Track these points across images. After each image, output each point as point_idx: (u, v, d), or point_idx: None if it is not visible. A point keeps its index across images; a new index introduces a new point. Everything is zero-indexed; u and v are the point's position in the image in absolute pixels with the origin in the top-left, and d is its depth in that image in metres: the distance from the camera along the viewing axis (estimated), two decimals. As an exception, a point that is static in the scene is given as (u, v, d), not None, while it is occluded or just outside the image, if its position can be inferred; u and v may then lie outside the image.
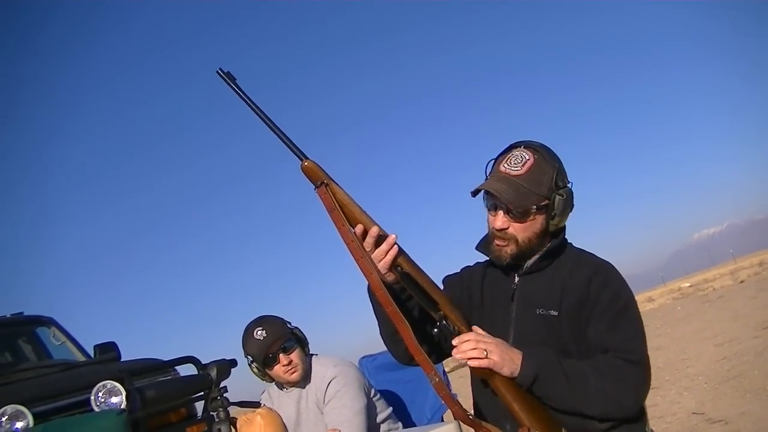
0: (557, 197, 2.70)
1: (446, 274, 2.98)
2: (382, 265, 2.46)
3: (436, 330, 2.58)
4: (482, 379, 2.59)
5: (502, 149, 2.81)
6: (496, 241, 2.74)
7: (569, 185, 2.76)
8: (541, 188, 2.68)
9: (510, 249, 2.73)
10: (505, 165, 2.69)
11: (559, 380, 2.54)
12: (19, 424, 4.97)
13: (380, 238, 2.46)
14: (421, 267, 2.54)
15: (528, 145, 2.75)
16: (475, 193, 2.70)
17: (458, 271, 3.07)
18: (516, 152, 2.72)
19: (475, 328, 2.60)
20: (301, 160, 2.44)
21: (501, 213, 2.69)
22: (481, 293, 2.90)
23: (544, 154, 2.73)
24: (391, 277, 2.52)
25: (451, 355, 2.92)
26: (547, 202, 2.69)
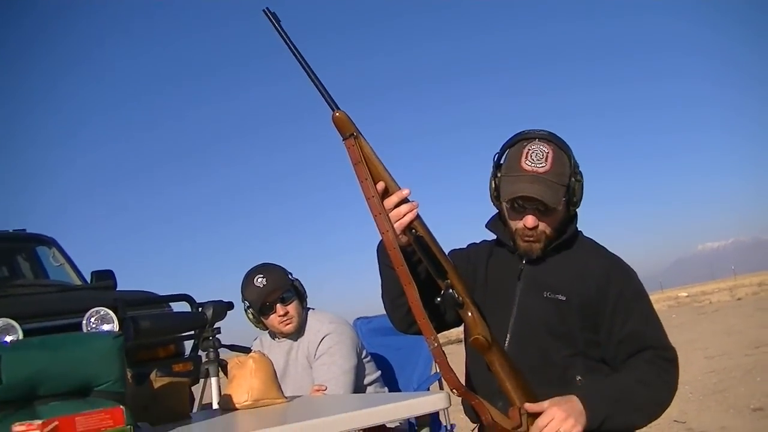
0: (576, 183, 2.72)
1: (452, 249, 2.97)
2: (399, 225, 2.44)
3: (439, 299, 2.57)
4: (479, 354, 2.60)
5: (508, 140, 2.80)
6: (525, 239, 2.73)
7: (580, 169, 2.77)
8: (564, 179, 2.69)
9: (540, 244, 2.74)
10: (528, 162, 2.67)
11: (621, 410, 2.56)
12: (8, 338, 4.99)
13: (403, 200, 2.45)
14: (434, 236, 2.53)
15: (541, 137, 2.73)
16: (513, 199, 2.69)
17: (464, 247, 3.06)
18: (534, 147, 2.69)
19: (547, 405, 2.54)
20: (333, 110, 2.42)
21: (530, 216, 2.68)
22: (486, 271, 2.90)
23: (558, 143, 2.73)
24: (404, 239, 2.50)
25: (448, 327, 2.93)
26: (567, 191, 2.70)
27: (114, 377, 2.01)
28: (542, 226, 2.70)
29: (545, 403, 2.52)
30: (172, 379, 2.67)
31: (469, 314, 2.58)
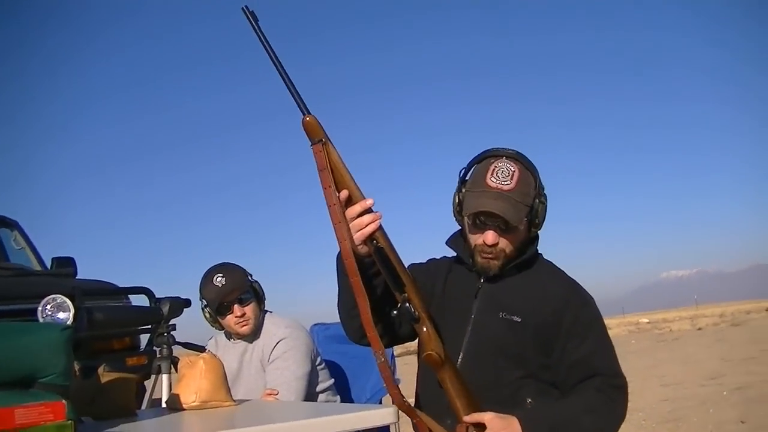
0: (540, 205, 2.73)
1: (411, 263, 2.95)
2: (360, 235, 2.43)
3: (395, 312, 2.55)
4: (432, 369, 2.59)
5: (476, 157, 2.80)
6: (483, 255, 2.73)
7: (545, 191, 2.78)
8: (528, 199, 2.69)
9: (498, 261, 2.73)
10: (494, 179, 2.66)
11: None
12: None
13: (366, 210, 2.43)
14: (395, 248, 2.52)
15: (508, 156, 2.74)
16: (475, 214, 2.68)
17: (424, 261, 3.06)
18: (500, 164, 2.70)
19: (485, 415, 2.56)
20: (304, 114, 2.40)
21: (491, 232, 2.68)
22: (444, 287, 2.89)
23: (525, 164, 2.74)
24: (364, 250, 2.49)
25: (403, 341, 2.91)
26: (530, 209, 2.70)
27: (59, 370, 1.97)
28: (502, 244, 2.69)
29: (486, 416, 2.52)
30: (120, 374, 2.63)
31: (425, 329, 2.56)
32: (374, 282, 2.59)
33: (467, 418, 2.52)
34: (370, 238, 2.46)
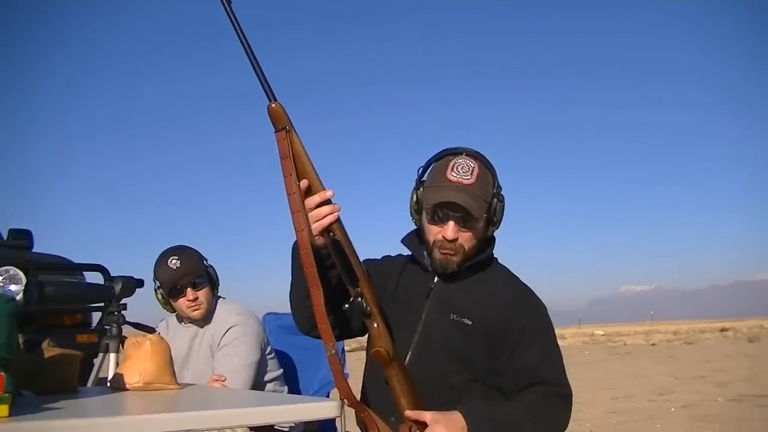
0: (497, 203, 2.74)
1: (366, 258, 2.94)
2: (317, 226, 2.41)
3: (347, 306, 2.54)
4: (379, 366, 2.58)
5: (434, 155, 2.81)
6: (442, 251, 2.72)
7: (502, 191, 2.79)
8: (487, 195, 2.70)
9: (457, 258, 2.72)
10: (454, 174, 2.67)
11: None
12: None
13: (325, 201, 2.41)
14: (352, 242, 2.50)
15: (468, 153, 2.75)
16: (436, 206, 2.67)
17: (379, 258, 3.05)
18: (460, 160, 2.71)
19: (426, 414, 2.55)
20: (270, 100, 2.37)
21: (452, 223, 2.67)
22: (397, 285, 2.88)
23: (484, 162, 2.76)
24: (320, 241, 2.47)
25: (353, 335, 2.90)
26: (488, 209, 2.71)
27: (1, 342, 1.94)
28: (462, 239, 2.69)
29: (427, 414, 2.51)
30: (64, 350, 2.59)
31: (375, 325, 2.55)
32: (329, 274, 2.58)
33: (409, 414, 2.52)
34: (327, 230, 2.44)
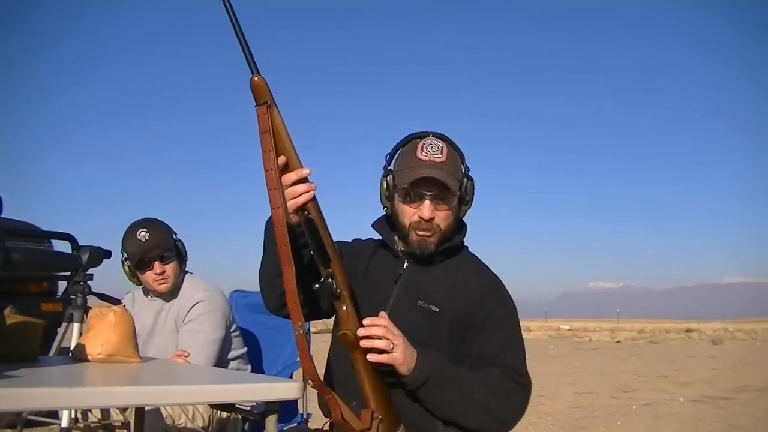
0: (468, 183, 2.73)
1: (337, 240, 2.93)
2: (292, 204, 2.39)
3: (317, 286, 2.52)
4: (345, 349, 2.56)
5: (400, 141, 2.80)
6: (419, 232, 2.70)
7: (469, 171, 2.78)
8: (458, 173, 2.70)
9: (434, 239, 2.71)
10: (424, 153, 2.67)
11: (448, 388, 2.56)
12: None
13: (302, 179, 2.39)
14: (326, 222, 2.49)
15: (434, 134, 2.75)
16: (412, 183, 2.65)
17: (349, 241, 3.03)
18: (429, 141, 2.70)
19: (383, 314, 2.56)
20: (253, 73, 2.34)
21: (428, 202, 2.66)
22: (366, 269, 2.86)
23: (450, 142, 2.76)
24: (295, 219, 2.46)
25: (321, 317, 2.88)
26: (460, 189, 2.71)
27: (-38, 306, 1.91)
28: (438, 218, 2.68)
29: (398, 330, 2.52)
30: (26, 318, 2.56)
31: (344, 308, 2.54)
32: (301, 253, 2.57)
33: (362, 331, 2.49)
34: (302, 209, 2.43)
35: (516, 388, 2.65)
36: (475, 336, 2.69)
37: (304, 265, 2.57)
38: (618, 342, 35.09)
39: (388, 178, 2.75)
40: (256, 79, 2.33)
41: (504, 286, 2.84)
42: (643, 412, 10.39)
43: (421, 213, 2.66)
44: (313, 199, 2.42)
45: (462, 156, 2.76)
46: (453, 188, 2.63)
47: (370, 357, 2.47)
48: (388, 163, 2.78)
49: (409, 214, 2.71)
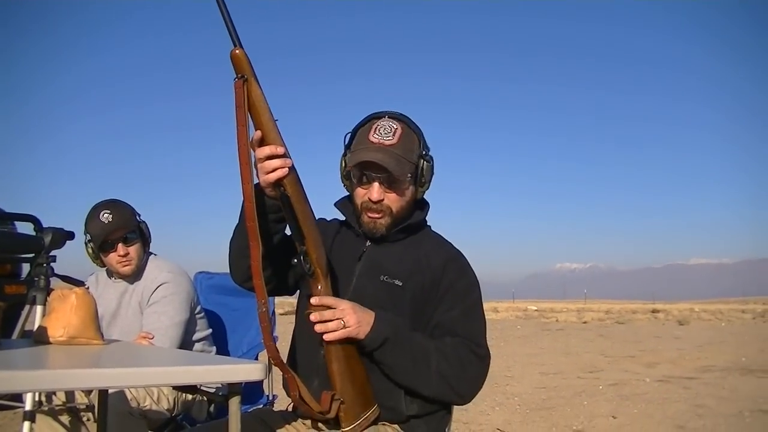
0: (425, 164, 2.72)
1: None
2: (265, 179, 2.41)
3: (294, 262, 2.52)
4: (310, 328, 2.56)
5: (360, 121, 2.79)
6: (369, 214, 2.71)
7: (430, 152, 2.77)
8: (412, 156, 2.69)
9: (385, 221, 2.72)
10: (376, 135, 2.67)
11: (405, 351, 2.55)
12: None
13: (276, 155, 2.38)
14: (307, 200, 2.50)
15: (391, 115, 2.75)
16: (356, 166, 2.67)
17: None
18: (383, 122, 2.70)
19: (322, 296, 2.54)
20: (235, 45, 2.33)
21: (377, 184, 2.66)
22: (331, 248, 2.85)
23: (408, 123, 2.75)
24: (272, 193, 2.48)
25: (288, 292, 2.88)
26: (415, 169, 2.70)
27: None
28: (388, 200, 2.69)
29: (339, 300, 2.53)
30: (-14, 301, 2.54)
31: (319, 287, 2.54)
32: (275, 227, 2.60)
33: (324, 300, 2.51)
34: (277, 184, 2.43)
35: (473, 360, 2.64)
36: (434, 307, 2.70)
37: (275, 241, 2.61)
38: (585, 322, 35.32)
39: (345, 158, 2.76)
40: (237, 51, 2.32)
41: (466, 261, 2.83)
42: (610, 392, 10.47)
43: (370, 194, 2.67)
44: (290, 175, 2.42)
45: (420, 137, 2.75)
46: (396, 173, 2.62)
47: (326, 337, 2.48)
48: (348, 143, 2.78)
49: (360, 195, 2.73)
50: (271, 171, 2.39)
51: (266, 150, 2.39)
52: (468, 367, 2.62)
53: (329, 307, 2.49)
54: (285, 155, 2.41)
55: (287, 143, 2.44)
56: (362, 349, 2.56)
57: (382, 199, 2.67)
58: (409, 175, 2.67)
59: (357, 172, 2.70)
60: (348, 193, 2.84)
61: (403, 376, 2.58)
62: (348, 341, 2.52)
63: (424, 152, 2.72)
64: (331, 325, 2.46)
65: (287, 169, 2.41)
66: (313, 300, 2.51)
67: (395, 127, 2.67)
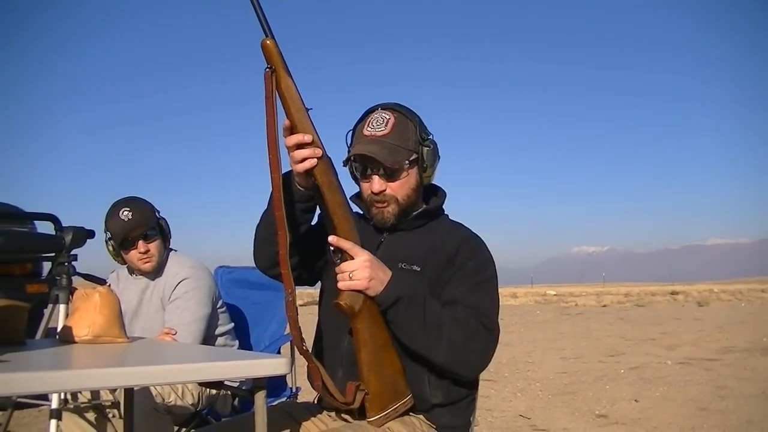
0: (425, 149, 2.72)
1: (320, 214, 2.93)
2: (297, 168, 2.44)
3: (330, 252, 2.54)
4: (336, 318, 2.56)
5: (359, 118, 2.80)
6: (376, 205, 2.72)
7: (432, 137, 2.77)
8: (408, 143, 2.69)
9: (391, 209, 2.71)
10: (368, 128, 2.68)
11: (418, 313, 2.51)
12: None
13: (303, 144, 2.40)
14: (340, 188, 2.51)
15: (384, 107, 2.75)
16: (347, 161, 2.70)
17: None
18: (375, 115, 2.71)
19: (349, 243, 2.51)
20: (266, 35, 2.35)
21: (376, 177, 2.67)
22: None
23: (402, 111, 2.74)
24: (304, 183, 2.51)
25: (315, 280, 2.92)
26: (416, 155, 2.70)
27: (-53, 291, 1.89)
28: (390, 190, 2.69)
29: (358, 248, 2.50)
30: (10, 301, 2.55)
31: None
32: (305, 216, 2.65)
33: (333, 239, 2.50)
34: (308, 173, 2.45)
35: (482, 331, 2.58)
36: (447, 284, 2.68)
37: (302, 231, 2.64)
38: (604, 306, 35.23)
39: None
40: (267, 42, 2.35)
41: (481, 242, 2.81)
42: (631, 376, 10.46)
43: (372, 187, 2.68)
44: (320, 163, 2.44)
45: (416, 124, 2.74)
46: (388, 162, 2.62)
47: (338, 285, 2.47)
48: (349, 141, 2.79)
49: (364, 189, 2.75)
50: (301, 161, 2.42)
51: (293, 139, 2.41)
52: (477, 337, 2.57)
53: (346, 252, 2.49)
54: (314, 144, 2.43)
55: (321, 132, 2.46)
56: (379, 307, 2.52)
57: (384, 190, 2.68)
58: (407, 162, 2.68)
59: (359, 167, 2.72)
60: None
61: (413, 340, 2.54)
62: (377, 328, 2.51)
63: (422, 137, 2.72)
64: (342, 276, 2.47)
65: (316, 159, 2.43)
66: (331, 239, 2.50)
67: (387, 117, 2.68)
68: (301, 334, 2.45)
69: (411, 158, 2.69)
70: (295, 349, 2.58)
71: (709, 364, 11.44)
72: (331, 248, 2.51)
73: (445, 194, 2.89)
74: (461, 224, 2.89)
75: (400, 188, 2.70)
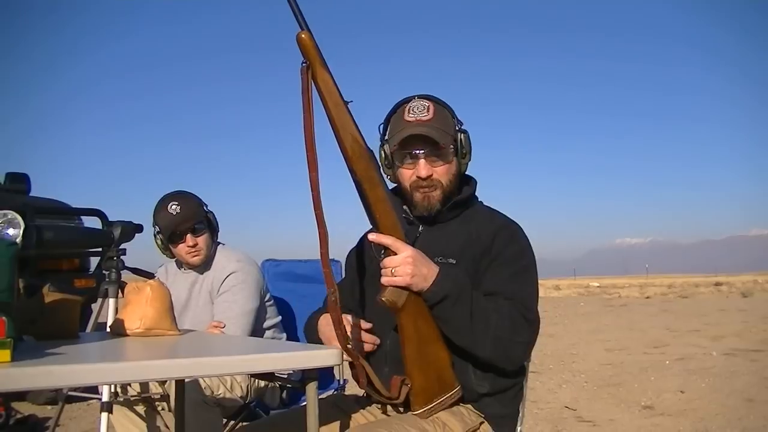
0: (462, 136, 2.72)
1: None
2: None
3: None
4: (381, 314, 2.56)
5: (389, 111, 2.79)
6: (421, 190, 2.70)
7: (463, 126, 2.77)
8: (450, 129, 2.70)
9: (437, 194, 2.70)
10: (411, 115, 2.67)
11: (465, 309, 2.48)
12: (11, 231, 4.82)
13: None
14: (383, 182, 2.49)
15: (419, 96, 2.75)
16: (400, 144, 2.66)
17: None
18: (414, 103, 2.71)
19: (391, 239, 2.49)
20: (301, 28, 2.32)
21: (422, 160, 2.66)
22: None
23: (437, 101, 2.75)
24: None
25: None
26: (454, 143, 2.71)
27: (2, 286, 1.91)
28: (436, 174, 2.68)
29: (403, 245, 2.47)
30: (65, 295, 2.57)
31: None
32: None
33: (373, 237, 2.50)
34: (349, 169, 2.43)
35: (524, 324, 2.56)
36: (485, 273, 2.66)
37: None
38: (648, 297, 35.00)
39: (385, 147, 2.75)
40: (303, 35, 2.32)
41: (518, 228, 2.79)
42: (676, 367, 10.39)
43: (418, 172, 2.66)
44: (362, 159, 2.42)
45: (452, 112, 2.75)
46: (441, 141, 2.62)
47: (382, 281, 2.47)
48: (382, 133, 2.79)
49: (407, 175, 2.71)
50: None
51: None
52: (520, 330, 2.55)
53: (388, 248, 2.47)
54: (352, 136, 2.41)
55: (361, 125, 2.42)
56: (426, 303, 2.50)
57: (431, 174, 2.67)
58: (451, 146, 2.68)
59: (400, 154, 2.70)
60: (393, 185, 2.82)
61: (459, 336, 2.53)
62: (423, 322, 2.50)
63: (458, 126, 2.73)
64: (384, 271, 2.47)
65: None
66: (371, 236, 2.50)
67: (427, 104, 2.69)
68: (346, 332, 2.45)
69: (452, 144, 2.70)
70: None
71: (755, 355, 11.35)
72: (376, 248, 2.51)
73: (476, 182, 2.87)
74: (497, 211, 2.87)
75: (445, 173, 2.69)
